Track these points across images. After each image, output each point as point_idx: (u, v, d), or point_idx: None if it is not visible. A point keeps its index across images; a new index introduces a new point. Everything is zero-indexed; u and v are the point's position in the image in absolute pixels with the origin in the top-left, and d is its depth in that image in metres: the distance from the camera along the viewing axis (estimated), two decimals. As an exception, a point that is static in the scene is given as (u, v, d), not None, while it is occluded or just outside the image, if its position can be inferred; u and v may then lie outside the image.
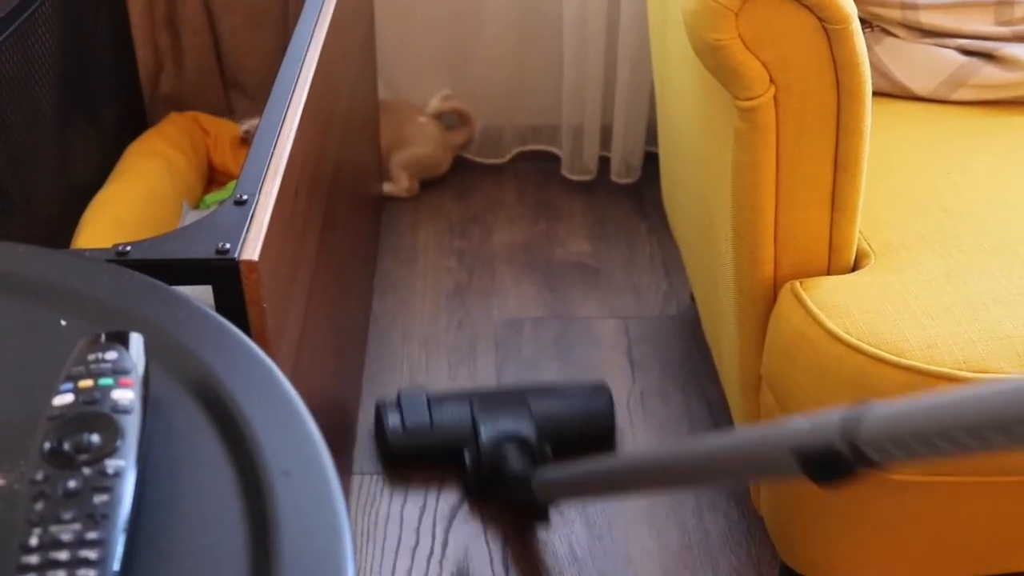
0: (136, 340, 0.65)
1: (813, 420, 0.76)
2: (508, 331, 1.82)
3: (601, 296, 1.90)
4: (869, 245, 1.11)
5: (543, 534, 1.44)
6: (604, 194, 2.21)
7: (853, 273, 1.07)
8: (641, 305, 1.88)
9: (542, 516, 1.45)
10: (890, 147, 1.28)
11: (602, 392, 1.58)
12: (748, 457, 0.82)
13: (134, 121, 1.92)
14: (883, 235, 1.12)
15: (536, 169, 2.29)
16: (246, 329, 0.89)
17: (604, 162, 2.25)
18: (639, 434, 1.60)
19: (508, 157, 2.30)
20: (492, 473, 1.46)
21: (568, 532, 1.44)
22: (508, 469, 1.43)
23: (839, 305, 1.01)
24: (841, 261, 1.07)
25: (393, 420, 1.54)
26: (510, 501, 1.46)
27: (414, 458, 1.54)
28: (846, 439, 0.72)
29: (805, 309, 1.01)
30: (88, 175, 1.71)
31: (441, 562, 1.41)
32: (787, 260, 1.06)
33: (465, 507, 1.49)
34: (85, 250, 0.89)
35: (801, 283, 1.04)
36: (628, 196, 2.21)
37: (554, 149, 2.28)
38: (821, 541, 1.15)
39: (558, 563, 1.40)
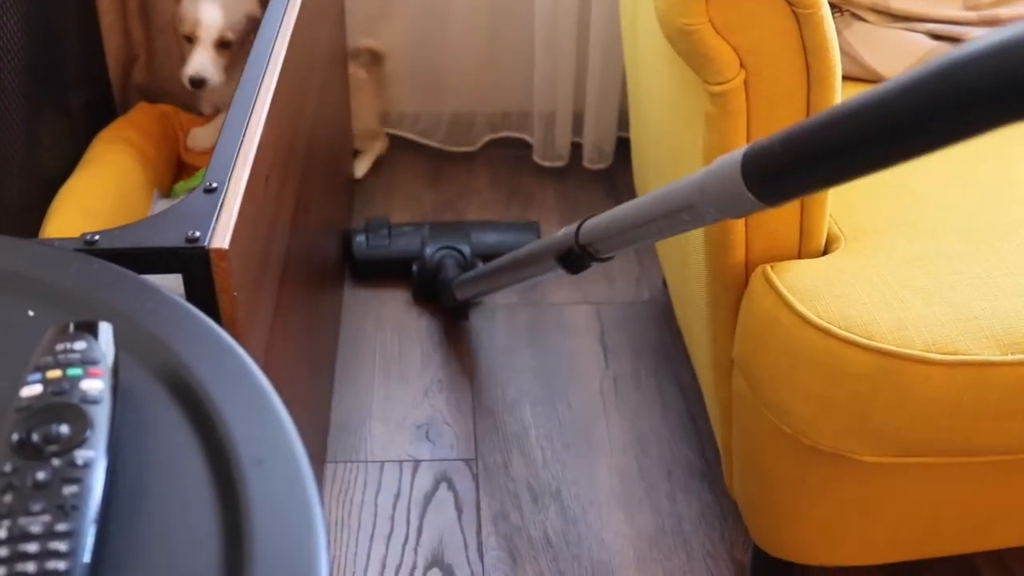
0: (105, 329, 0.64)
1: (563, 232, 1.18)
2: (481, 318, 1.82)
3: (573, 282, 1.90)
4: (840, 229, 1.11)
5: (517, 518, 1.44)
6: (576, 180, 2.21)
7: (824, 257, 1.08)
8: (613, 291, 1.88)
9: (462, 316, 1.81)
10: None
11: (532, 226, 1.95)
12: (533, 259, 1.30)
13: (104, 110, 1.90)
14: (853, 219, 1.12)
15: (508, 156, 2.29)
16: (216, 317, 0.89)
17: (576, 148, 2.25)
18: (612, 419, 1.61)
19: (479, 144, 2.29)
20: (432, 279, 1.83)
21: (543, 518, 1.45)
22: (442, 276, 1.79)
23: (810, 289, 1.01)
24: (812, 245, 1.07)
25: (359, 239, 1.91)
26: (444, 303, 1.80)
27: (374, 267, 1.90)
28: (577, 242, 1.13)
29: (776, 293, 1.02)
30: (56, 164, 1.69)
31: (416, 548, 1.41)
32: (758, 244, 1.06)
33: (440, 493, 1.49)
34: (53, 239, 0.88)
35: (772, 267, 1.05)
36: (600, 182, 2.21)
37: (526, 136, 2.28)
38: (793, 522, 1.16)
39: (533, 549, 1.40)
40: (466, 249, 1.86)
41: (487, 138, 2.29)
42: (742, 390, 1.12)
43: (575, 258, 1.16)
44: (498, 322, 1.81)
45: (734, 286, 1.09)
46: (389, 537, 1.42)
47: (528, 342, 1.77)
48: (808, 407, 1.01)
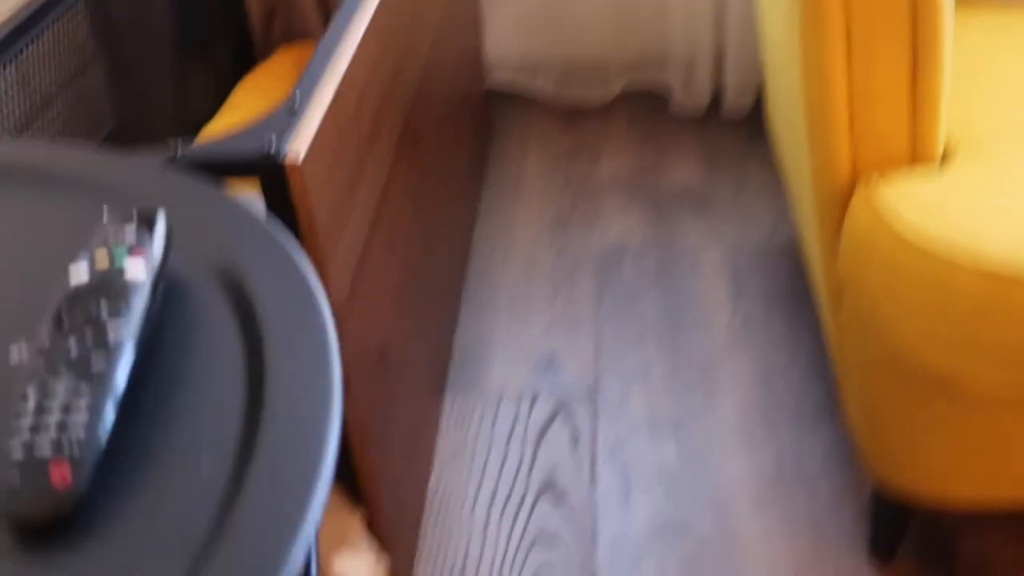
0: (160, 218, 0.67)
1: None
2: (610, 258, 1.81)
3: (707, 225, 1.86)
4: (958, 142, 1.05)
5: (633, 451, 1.43)
6: (715, 127, 2.16)
7: (934, 169, 1.02)
8: (747, 234, 1.83)
9: None
10: (983, 46, 1.20)
11: None
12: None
13: (245, 60, 1.98)
14: (973, 132, 1.05)
15: (645, 103, 2.25)
16: (295, 228, 0.91)
17: (716, 96, 2.18)
18: (738, 358, 1.57)
19: (614, 92, 2.26)
20: None
21: (659, 452, 1.43)
22: None
23: (914, 204, 0.96)
24: (924, 156, 1.01)
25: None
26: None
27: None
28: None
29: (876, 208, 0.97)
30: (202, 112, 1.77)
31: (528, 477, 1.42)
32: (866, 150, 1.01)
33: (555, 425, 1.49)
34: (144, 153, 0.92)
35: (877, 179, 1.00)
36: (740, 129, 2.15)
37: (663, 81, 2.23)
38: (908, 456, 1.11)
39: (647, 481, 1.39)
40: None
41: (622, 86, 2.26)
42: (851, 311, 1.08)
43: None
44: (627, 262, 1.79)
45: (840, 196, 1.04)
46: (503, 465, 1.44)
47: (656, 282, 1.74)
48: (913, 323, 0.96)
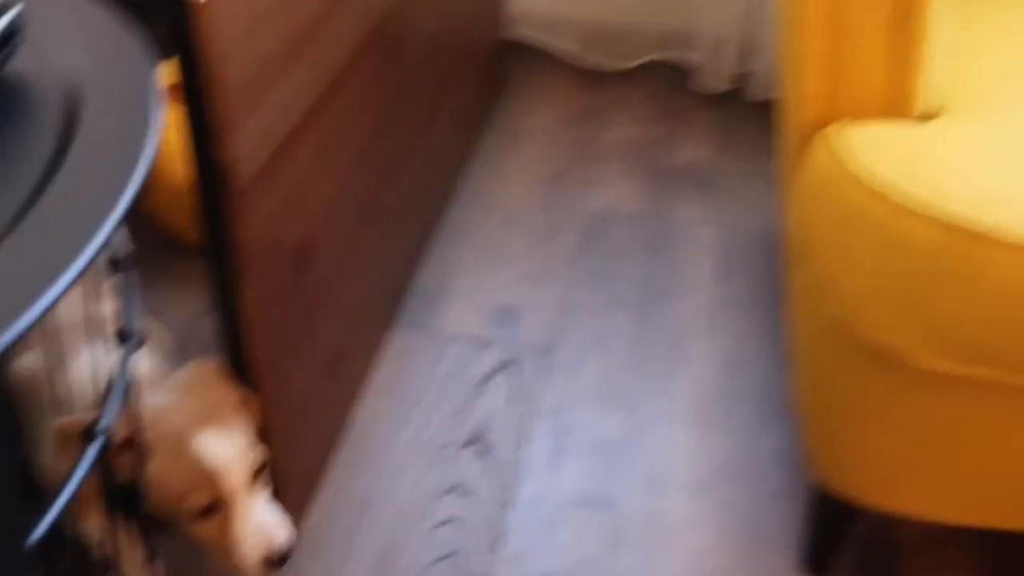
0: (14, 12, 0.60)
1: None
2: (598, 223, 1.71)
3: (707, 203, 1.76)
4: (948, 103, 0.94)
5: (575, 417, 1.34)
6: (735, 109, 2.05)
7: (912, 124, 0.92)
8: (747, 220, 1.73)
9: None
10: (995, 13, 1.10)
11: None
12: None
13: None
14: (966, 95, 0.95)
15: (666, 76, 2.14)
16: (197, 77, 0.83)
17: (741, 77, 2.08)
18: (709, 340, 1.47)
19: (637, 62, 2.16)
20: None
21: (603, 423, 1.34)
22: None
23: (879, 149, 0.86)
24: (900, 107, 0.91)
25: None
26: None
27: None
28: None
29: (835, 149, 0.87)
30: None
31: (460, 425, 1.33)
32: (838, 100, 0.91)
33: (498, 377, 1.40)
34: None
35: (841, 125, 0.90)
36: (761, 115, 2.03)
37: (687, 58, 2.13)
38: (849, 445, 1.01)
39: (581, 450, 1.30)
40: None
41: (646, 57, 2.16)
42: (803, 271, 0.98)
43: None
44: (614, 227, 1.69)
45: (805, 140, 0.94)
46: (435, 408, 1.35)
47: (641, 250, 1.64)
48: (858, 282, 0.85)
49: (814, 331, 0.97)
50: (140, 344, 0.67)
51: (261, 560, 0.95)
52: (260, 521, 0.95)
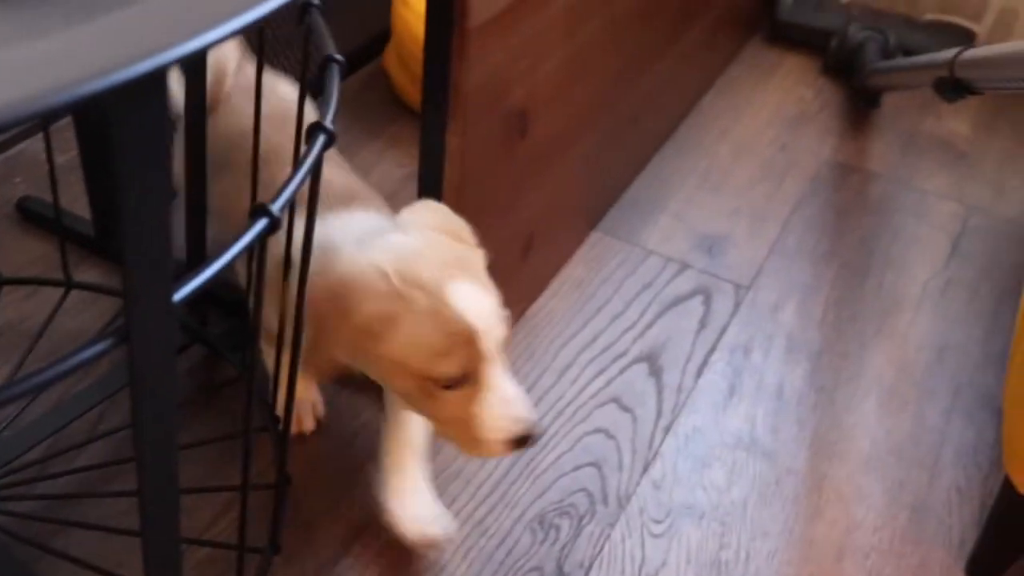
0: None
1: (941, 56, 1.32)
2: (831, 171, 1.61)
3: (954, 178, 1.63)
4: None
5: (758, 359, 1.27)
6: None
7: None
8: (996, 201, 1.59)
9: (871, 102, 1.76)
10: None
11: (964, 35, 1.89)
12: (915, 73, 1.46)
13: None
14: None
15: (948, 40, 1.99)
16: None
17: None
18: (923, 316, 1.37)
19: (920, 19, 2.01)
20: (850, 58, 1.78)
21: (786, 371, 1.27)
22: (862, 57, 1.74)
23: None
24: None
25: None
26: (853, 84, 1.77)
27: (794, 31, 1.88)
28: (952, 72, 1.28)
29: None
30: None
31: (637, 339, 1.29)
32: None
33: (691, 302, 1.35)
34: None
35: None
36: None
37: (973, 26, 1.96)
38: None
39: (755, 393, 1.24)
40: (891, 38, 1.77)
41: (930, 16, 2.00)
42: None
43: (947, 85, 1.30)
44: (847, 181, 1.59)
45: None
46: (617, 318, 1.31)
47: (871, 211, 1.54)
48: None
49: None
50: (331, 142, 0.65)
51: (508, 440, 0.82)
52: (509, 397, 0.81)
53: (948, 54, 1.31)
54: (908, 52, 1.74)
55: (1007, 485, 1.01)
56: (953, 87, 1.28)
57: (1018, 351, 1.00)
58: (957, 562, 1.08)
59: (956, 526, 1.11)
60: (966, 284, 1.43)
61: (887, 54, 1.76)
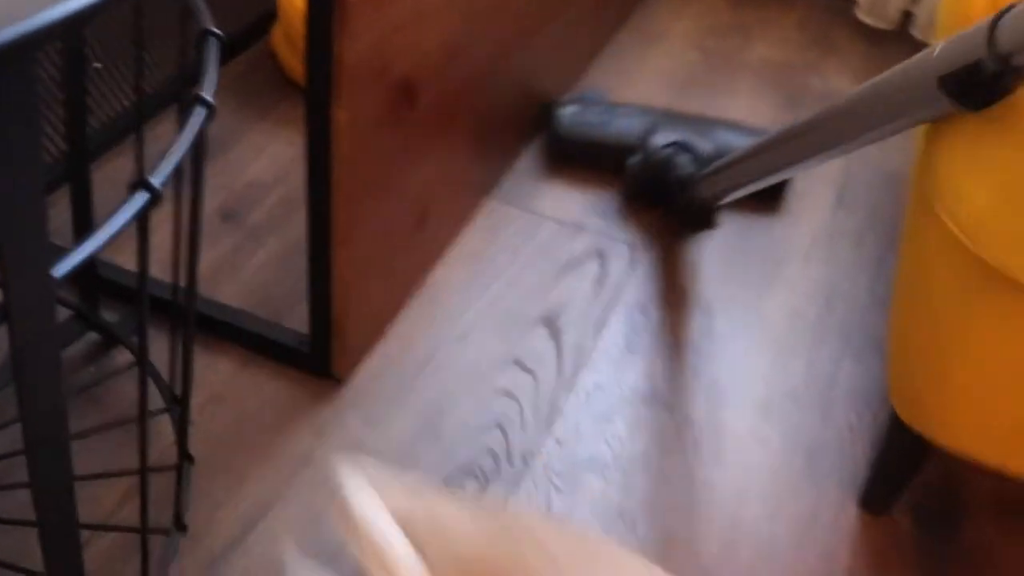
0: None
1: (955, 40, 0.76)
2: (719, 131, 1.65)
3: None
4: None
5: (655, 315, 1.30)
6: (898, 47, 1.94)
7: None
8: (878, 156, 1.65)
9: (709, 223, 1.40)
10: None
11: None
12: (894, 97, 0.90)
13: None
14: None
15: (829, 3, 2.05)
16: None
17: (907, 17, 1.97)
18: (811, 264, 1.41)
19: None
20: (656, 178, 1.41)
21: (682, 325, 1.30)
22: (675, 173, 1.38)
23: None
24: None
25: (571, 108, 1.50)
26: (675, 207, 1.41)
27: (579, 149, 1.50)
28: (992, 48, 0.71)
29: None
30: None
31: (537, 301, 1.31)
32: None
33: (587, 264, 1.37)
34: None
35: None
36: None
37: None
38: (940, 380, 0.96)
39: (653, 347, 1.27)
40: (707, 147, 1.41)
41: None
42: (922, 189, 0.92)
43: (980, 79, 0.72)
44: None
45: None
46: (514, 282, 1.33)
47: (756, 167, 1.58)
48: (984, 194, 0.79)
49: (926, 248, 0.92)
50: (211, 114, 0.66)
51: None
52: None
53: (964, 36, 0.83)
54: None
55: (893, 417, 1.06)
56: (987, 80, 0.78)
57: (898, 293, 1.05)
58: (852, 498, 1.12)
59: (849, 465, 1.16)
60: (851, 233, 1.48)
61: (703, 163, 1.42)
